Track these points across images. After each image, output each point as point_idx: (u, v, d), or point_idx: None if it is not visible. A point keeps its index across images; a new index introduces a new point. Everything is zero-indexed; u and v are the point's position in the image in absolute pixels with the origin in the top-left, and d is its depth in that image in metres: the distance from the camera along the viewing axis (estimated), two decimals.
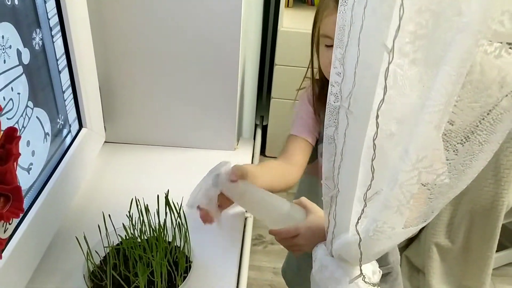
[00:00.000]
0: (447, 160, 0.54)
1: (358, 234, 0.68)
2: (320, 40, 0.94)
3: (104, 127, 1.10)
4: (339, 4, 0.61)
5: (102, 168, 1.06)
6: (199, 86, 1.05)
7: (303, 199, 0.91)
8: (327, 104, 0.68)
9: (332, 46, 0.87)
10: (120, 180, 1.03)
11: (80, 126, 0.97)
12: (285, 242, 0.88)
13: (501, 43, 0.45)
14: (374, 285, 0.77)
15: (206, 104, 1.07)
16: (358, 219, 0.67)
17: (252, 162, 1.17)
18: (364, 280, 0.75)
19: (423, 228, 1.64)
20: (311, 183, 1.18)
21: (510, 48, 0.45)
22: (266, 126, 2.50)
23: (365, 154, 0.61)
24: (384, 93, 0.54)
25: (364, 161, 0.62)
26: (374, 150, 0.59)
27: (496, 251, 1.48)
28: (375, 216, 0.62)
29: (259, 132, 2.73)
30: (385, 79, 0.53)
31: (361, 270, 0.75)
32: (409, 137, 0.54)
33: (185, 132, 1.11)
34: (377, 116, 0.56)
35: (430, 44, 0.50)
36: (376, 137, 0.58)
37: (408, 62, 0.52)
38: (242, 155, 1.12)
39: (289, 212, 0.88)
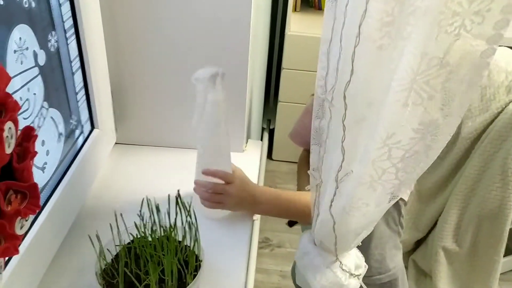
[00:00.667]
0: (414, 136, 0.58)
1: (332, 217, 0.71)
2: None
3: (115, 128, 1.11)
4: (327, 0, 0.63)
5: (113, 168, 1.08)
6: None
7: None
8: (314, 96, 0.71)
9: None
10: (131, 180, 1.04)
11: (92, 127, 0.99)
12: (216, 188, 0.89)
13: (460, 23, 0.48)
14: (354, 276, 0.78)
15: None
16: (331, 202, 0.70)
17: (259, 165, 1.18)
18: (341, 267, 0.76)
19: (430, 231, 1.64)
20: None
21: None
22: (273, 129, 2.51)
23: (338, 138, 0.64)
24: (351, 75, 0.58)
25: (336, 145, 0.65)
26: (344, 131, 0.63)
27: (504, 255, 1.48)
28: (349, 193, 0.65)
29: (266, 135, 2.74)
30: (352, 62, 0.57)
31: (336, 255, 0.77)
32: (377, 116, 0.58)
33: (195, 134, 1.12)
34: (345, 97, 0.60)
35: (396, 30, 0.53)
36: (345, 118, 0.62)
37: (376, 48, 0.55)
38: (250, 156, 1.14)
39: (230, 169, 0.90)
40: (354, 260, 0.81)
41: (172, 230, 0.80)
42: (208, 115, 0.84)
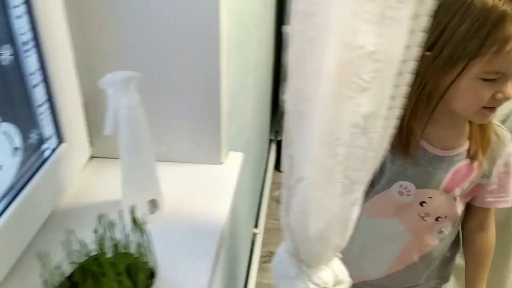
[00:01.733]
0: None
1: (290, 225, 0.71)
2: (474, 68, 0.88)
3: (92, 142, 1.09)
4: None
5: (86, 184, 1.05)
6: (179, 98, 1.03)
7: None
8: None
9: (493, 80, 0.88)
10: (103, 196, 1.01)
11: (60, 141, 0.97)
12: None
13: None
14: None
15: (188, 116, 1.04)
16: (287, 211, 0.71)
17: (238, 179, 1.13)
18: (311, 281, 0.74)
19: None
20: (369, 225, 1.15)
21: None
22: (281, 141, 2.46)
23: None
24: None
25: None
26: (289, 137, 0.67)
27: None
28: (303, 195, 0.65)
29: (273, 147, 2.69)
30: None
31: (307, 265, 0.75)
32: (315, 112, 0.58)
33: (169, 146, 1.08)
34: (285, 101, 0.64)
35: (320, 20, 0.51)
36: (288, 123, 0.68)
37: (304, 39, 0.54)
38: (229, 168, 1.09)
39: None
40: (333, 274, 0.77)
41: (125, 248, 0.77)
42: (124, 120, 0.81)
